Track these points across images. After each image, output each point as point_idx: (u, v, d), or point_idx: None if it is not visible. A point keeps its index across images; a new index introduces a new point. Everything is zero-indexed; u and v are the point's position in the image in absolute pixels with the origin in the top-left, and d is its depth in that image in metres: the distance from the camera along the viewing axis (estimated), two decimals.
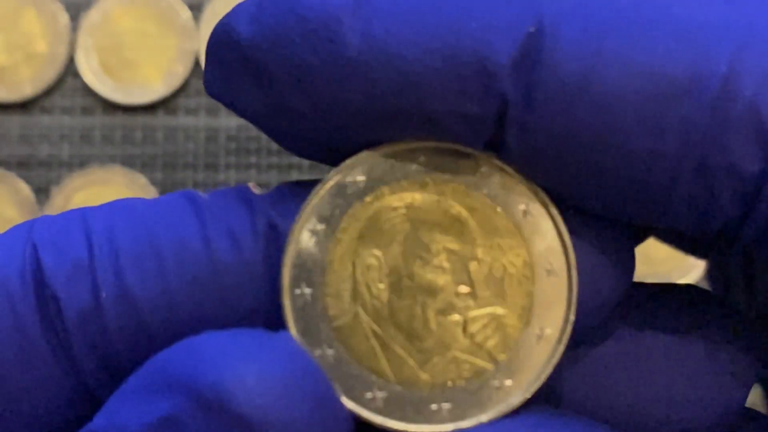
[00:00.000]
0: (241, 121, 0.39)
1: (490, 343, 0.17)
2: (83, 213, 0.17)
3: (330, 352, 0.17)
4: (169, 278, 0.16)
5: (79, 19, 0.40)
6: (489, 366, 0.17)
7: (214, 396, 0.14)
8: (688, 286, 0.20)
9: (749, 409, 0.20)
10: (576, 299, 0.17)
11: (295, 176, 0.39)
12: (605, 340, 0.19)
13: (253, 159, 0.39)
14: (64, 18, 0.40)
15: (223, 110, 0.40)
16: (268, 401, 0.14)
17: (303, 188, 0.17)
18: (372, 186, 0.17)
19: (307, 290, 0.17)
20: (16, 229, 0.17)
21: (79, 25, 0.40)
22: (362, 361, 0.17)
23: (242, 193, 0.17)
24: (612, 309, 0.18)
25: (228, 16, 0.17)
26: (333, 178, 0.17)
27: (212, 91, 0.17)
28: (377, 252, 0.17)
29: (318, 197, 0.17)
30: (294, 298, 0.16)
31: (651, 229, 0.22)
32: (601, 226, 0.18)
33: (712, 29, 0.16)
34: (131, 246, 0.16)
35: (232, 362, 0.15)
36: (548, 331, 0.17)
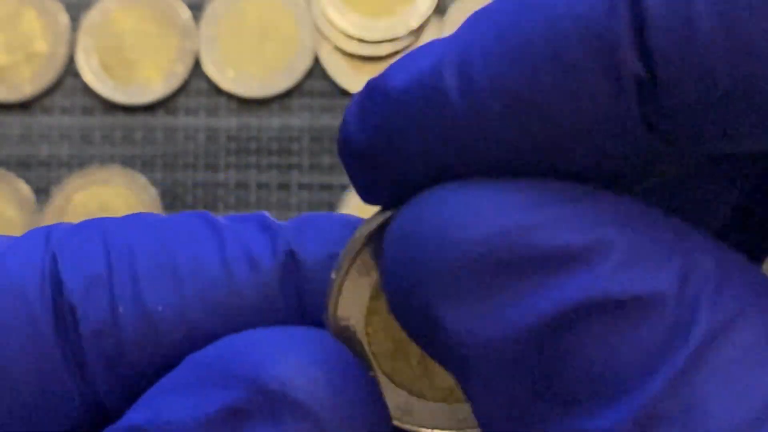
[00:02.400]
0: (241, 121, 0.39)
1: None
2: (103, 227, 0.17)
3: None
4: (186, 296, 0.16)
5: (79, 19, 0.40)
6: None
7: (279, 387, 0.15)
8: None
9: None
10: None
11: (295, 176, 0.39)
12: None
13: (253, 159, 0.39)
14: (64, 18, 0.40)
15: (223, 110, 0.40)
16: (328, 392, 0.15)
17: (324, 220, 0.18)
18: None
19: (352, 321, 0.17)
20: (33, 235, 0.17)
21: (79, 25, 0.40)
22: (402, 385, 0.17)
23: (261, 219, 0.17)
24: None
25: (342, 124, 0.17)
26: (366, 227, 0.17)
27: (366, 198, 0.17)
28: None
29: (354, 244, 0.17)
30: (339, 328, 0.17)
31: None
32: None
33: None
34: (149, 263, 0.17)
35: (292, 355, 0.15)
36: None
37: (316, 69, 0.40)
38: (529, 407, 0.15)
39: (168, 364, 0.16)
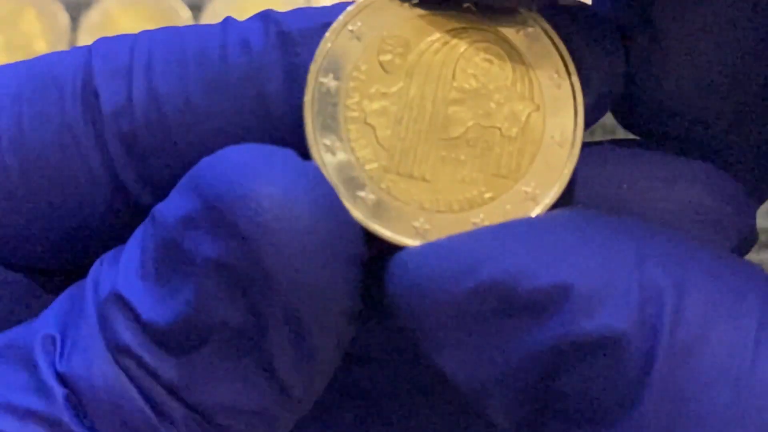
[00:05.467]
0: None
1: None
2: (137, 33, 0.20)
3: (337, 143, 0.18)
4: (188, 78, 0.19)
5: (79, 19, 0.40)
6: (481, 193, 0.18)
7: (221, 206, 0.17)
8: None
9: None
10: (570, 175, 0.18)
11: None
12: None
13: None
14: (64, 18, 0.40)
15: None
16: (267, 219, 0.17)
17: (317, 8, 0.19)
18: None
19: (333, 83, 0.18)
20: (85, 46, 0.20)
21: (79, 25, 0.40)
22: (365, 165, 0.18)
23: (266, 12, 0.19)
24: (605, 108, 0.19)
25: None
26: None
27: None
28: (392, 89, 0.18)
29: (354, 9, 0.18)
30: (318, 86, 0.18)
31: None
32: (594, 28, 0.19)
33: None
34: (164, 53, 0.19)
35: (241, 179, 0.17)
36: (537, 191, 0.18)
37: None
38: (541, 425, 0.17)
39: (175, 146, 0.18)
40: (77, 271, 0.20)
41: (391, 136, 0.18)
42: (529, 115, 0.18)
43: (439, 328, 0.17)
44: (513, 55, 0.18)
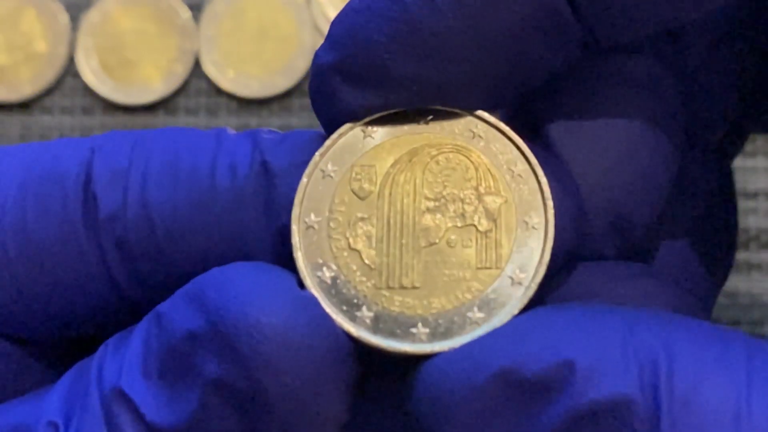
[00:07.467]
0: (241, 121, 0.39)
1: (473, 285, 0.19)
2: (139, 132, 0.21)
3: (329, 273, 0.19)
4: (178, 194, 0.20)
5: (79, 19, 0.40)
6: (468, 298, 0.19)
7: (226, 331, 0.18)
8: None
9: None
10: (550, 251, 0.19)
11: None
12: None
13: None
14: (64, 18, 0.40)
15: (223, 110, 0.40)
16: (268, 348, 0.17)
17: (300, 134, 0.20)
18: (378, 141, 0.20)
19: (315, 219, 0.19)
20: (87, 138, 0.21)
21: (79, 25, 0.40)
22: (358, 286, 0.19)
23: (255, 134, 0.20)
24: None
25: (314, 58, 0.19)
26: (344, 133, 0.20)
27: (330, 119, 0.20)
28: (368, 212, 0.19)
29: (329, 148, 0.20)
30: (302, 225, 0.19)
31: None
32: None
33: None
34: (160, 165, 0.20)
35: (246, 307, 0.18)
36: (522, 275, 0.19)
37: None
38: None
39: (162, 254, 0.20)
40: (78, 342, 0.21)
41: (376, 255, 0.19)
42: (499, 208, 0.19)
43: (459, 426, 0.18)
44: (473, 156, 0.19)
